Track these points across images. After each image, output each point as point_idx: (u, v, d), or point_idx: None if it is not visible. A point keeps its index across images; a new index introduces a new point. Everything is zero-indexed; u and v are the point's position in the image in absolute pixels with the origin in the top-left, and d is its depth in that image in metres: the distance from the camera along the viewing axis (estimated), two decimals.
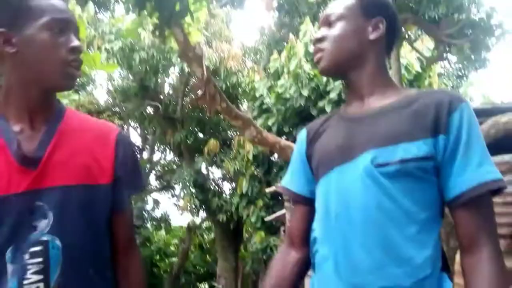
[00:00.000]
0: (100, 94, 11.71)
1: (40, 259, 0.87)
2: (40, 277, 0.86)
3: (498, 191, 0.87)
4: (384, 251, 0.86)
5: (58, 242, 0.89)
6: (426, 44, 7.38)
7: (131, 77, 11.12)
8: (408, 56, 7.34)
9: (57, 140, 0.93)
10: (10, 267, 0.85)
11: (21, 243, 0.86)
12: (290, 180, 1.11)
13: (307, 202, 1.06)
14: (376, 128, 0.92)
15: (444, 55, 6.49)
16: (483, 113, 3.78)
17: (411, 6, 4.85)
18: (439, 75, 9.41)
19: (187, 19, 2.81)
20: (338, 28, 1.00)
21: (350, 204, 0.90)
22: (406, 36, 5.36)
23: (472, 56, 5.10)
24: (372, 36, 0.99)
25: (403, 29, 4.90)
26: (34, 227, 0.88)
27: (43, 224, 0.88)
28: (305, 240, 1.05)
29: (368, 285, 0.87)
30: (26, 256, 0.86)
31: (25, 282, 0.85)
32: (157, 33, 2.89)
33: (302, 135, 1.12)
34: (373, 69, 1.00)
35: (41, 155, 0.90)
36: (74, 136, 0.96)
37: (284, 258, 1.09)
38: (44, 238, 0.88)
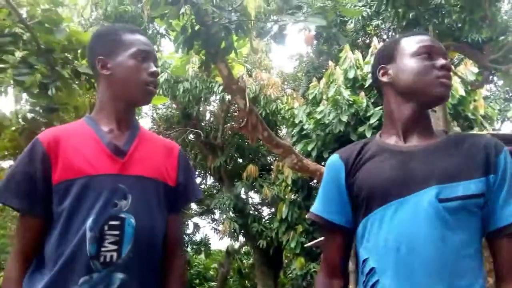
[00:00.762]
0: (145, 122, 12.38)
1: (117, 232, 1.05)
2: (115, 247, 1.04)
3: None
4: (449, 282, 0.92)
5: (133, 221, 1.07)
6: (469, 68, 7.23)
7: (174, 105, 11.60)
8: (452, 80, 7.22)
9: (138, 142, 1.17)
10: (89, 234, 1.03)
11: (103, 215, 1.05)
12: (323, 209, 1.11)
13: (344, 232, 1.09)
14: (434, 165, 0.98)
15: (490, 77, 6.32)
16: None
17: (452, 31, 4.84)
18: (485, 98, 9.12)
19: (231, 55, 3.00)
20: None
21: (413, 236, 0.95)
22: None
23: None
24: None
25: None
26: (116, 204, 1.07)
27: (123, 204, 1.08)
28: (343, 269, 1.11)
29: None
30: (106, 227, 1.05)
31: (103, 249, 1.03)
32: (203, 68, 3.09)
33: (336, 162, 1.12)
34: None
35: (127, 149, 1.13)
36: (149, 143, 1.20)
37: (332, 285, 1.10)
38: (122, 215, 1.07)
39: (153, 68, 1.16)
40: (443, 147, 1.01)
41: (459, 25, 5.00)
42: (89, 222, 1.03)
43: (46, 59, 2.56)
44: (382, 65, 1.11)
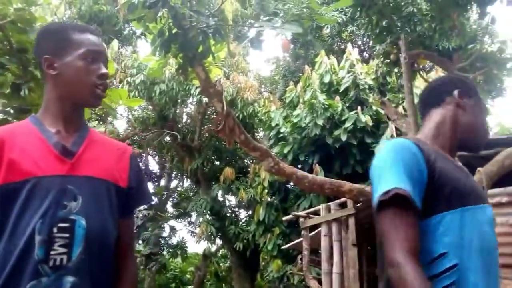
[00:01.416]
0: (120, 123, 12.19)
1: (66, 235, 1.03)
2: (65, 250, 1.02)
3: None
4: (498, 281, 1.10)
5: (83, 222, 1.05)
6: (440, 75, 7.49)
7: (150, 107, 11.48)
8: (423, 86, 7.45)
9: (87, 143, 1.14)
10: (37, 237, 1.00)
11: (51, 218, 1.02)
12: (410, 188, 1.02)
13: (417, 214, 1.03)
14: (477, 186, 1.18)
15: None
16: (498, 144, 3.81)
17: (424, 39, 5.00)
18: None
19: (209, 59, 3.01)
20: None
21: (490, 241, 1.11)
22: (420, 69, 5.49)
23: (485, 87, 5.17)
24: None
25: (415, 62, 5.04)
26: (65, 206, 1.05)
27: (73, 205, 1.05)
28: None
29: None
30: (55, 230, 1.02)
31: (52, 252, 1.01)
32: (180, 71, 3.09)
33: (412, 146, 1.09)
34: None
35: (76, 150, 1.11)
36: (99, 144, 1.17)
37: (423, 273, 0.98)
38: (72, 217, 1.05)
39: (103, 70, 1.13)
40: (463, 169, 1.20)
41: (430, 33, 5.18)
42: (38, 225, 1.00)
43: (18, 59, 2.51)
44: None
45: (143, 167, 12.89)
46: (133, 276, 1.19)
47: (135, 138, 12.19)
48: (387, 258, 0.97)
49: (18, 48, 2.50)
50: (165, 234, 13.38)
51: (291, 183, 8.45)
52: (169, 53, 2.89)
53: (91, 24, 9.59)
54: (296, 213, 5.73)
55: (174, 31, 2.85)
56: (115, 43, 5.84)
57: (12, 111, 2.78)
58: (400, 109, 6.61)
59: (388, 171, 1.04)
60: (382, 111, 7.11)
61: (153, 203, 11.16)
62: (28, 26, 2.48)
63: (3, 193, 1.02)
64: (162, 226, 13.36)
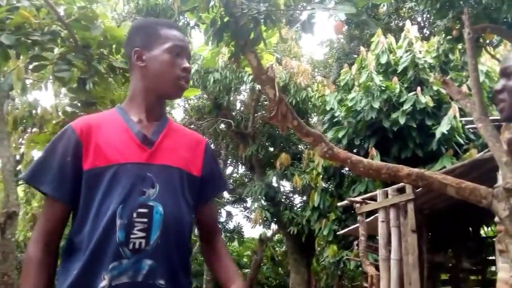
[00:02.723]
0: (177, 112, 12.67)
1: (145, 219, 1.08)
2: (143, 234, 1.07)
3: None
4: None
5: (161, 209, 1.11)
6: (509, 49, 6.89)
7: (205, 96, 11.76)
8: (489, 63, 6.91)
9: (166, 132, 1.19)
10: (118, 221, 1.07)
11: (131, 203, 1.09)
12: None
13: None
14: None
15: None
16: None
17: (489, 14, 4.61)
18: None
19: (260, 45, 3.01)
20: None
21: None
22: (485, 44, 5.08)
23: None
24: None
25: (481, 37, 4.67)
26: (144, 193, 1.11)
27: (151, 192, 1.11)
28: None
29: None
30: (134, 215, 1.08)
31: (132, 236, 1.07)
32: (232, 59, 3.12)
33: None
34: None
35: (155, 139, 1.16)
36: (177, 134, 1.23)
37: None
38: (151, 203, 1.10)
39: (186, 64, 1.19)
40: None
41: (497, 5, 4.76)
42: (119, 209, 1.06)
43: (83, 55, 2.66)
44: None
45: None
46: (227, 252, 1.28)
47: (191, 126, 12.58)
48: None
49: (82, 44, 2.66)
50: (222, 219, 13.80)
51: (346, 168, 8.31)
52: (221, 42, 2.92)
53: (147, 17, 9.96)
54: (352, 198, 5.63)
55: (226, 19, 2.87)
56: None
57: (79, 104, 2.99)
58: (464, 88, 6.20)
59: None
60: (443, 91, 6.70)
61: None
62: (91, 23, 2.63)
63: (90, 176, 1.09)
64: (219, 211, 13.78)
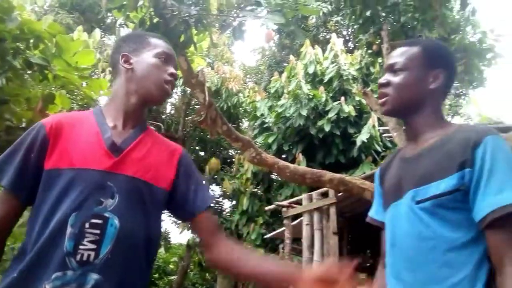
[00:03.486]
0: None
1: (97, 231, 1.02)
2: (93, 246, 1.01)
3: None
4: (425, 273, 1.02)
5: (116, 222, 1.04)
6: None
7: None
8: None
9: (138, 141, 1.14)
10: (69, 229, 1.00)
11: (85, 212, 1.02)
12: (375, 211, 1.28)
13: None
14: (416, 170, 1.09)
15: None
16: None
17: (405, 31, 5.05)
18: None
19: (191, 49, 2.98)
20: (402, 77, 1.14)
21: (399, 235, 1.10)
22: None
23: (466, 78, 5.26)
24: (433, 86, 1.14)
25: None
26: (101, 202, 1.04)
27: (109, 203, 1.05)
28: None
29: None
30: (87, 225, 1.01)
31: (81, 247, 1.00)
32: None
33: (377, 172, 1.31)
34: (429, 114, 1.14)
35: (124, 147, 1.11)
36: (150, 144, 1.17)
37: (382, 276, 1.20)
38: (106, 214, 1.04)
39: (173, 70, 1.18)
40: (429, 150, 1.09)
41: (413, 24, 5.23)
42: (72, 217, 1.00)
43: None
44: None
45: None
46: (235, 244, 1.19)
47: None
48: None
49: None
50: None
51: (275, 174, 8.51)
52: None
53: (72, 13, 9.37)
54: (279, 203, 5.78)
55: (155, 20, 2.81)
56: (97, 32, 5.70)
57: None
58: None
59: None
60: (364, 102, 7.18)
61: None
62: (6, 15, 2.42)
63: (48, 177, 1.04)
64: None
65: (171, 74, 1.17)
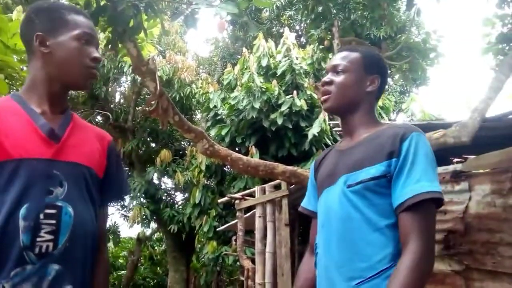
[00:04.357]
0: None
1: (53, 221, 0.98)
2: (51, 237, 0.98)
3: (437, 201, 1.10)
4: (352, 251, 1.12)
5: (70, 210, 1.01)
6: None
7: None
8: None
9: (71, 127, 1.11)
10: (22, 223, 0.95)
11: (38, 204, 0.97)
12: (308, 201, 1.41)
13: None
14: (350, 158, 1.21)
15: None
16: (422, 129, 4.11)
17: (355, 29, 5.19)
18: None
19: (141, 35, 2.87)
20: (344, 78, 1.27)
21: (330, 216, 1.20)
22: None
23: (410, 76, 5.51)
24: (369, 89, 1.28)
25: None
26: (51, 192, 1.00)
27: (59, 191, 1.01)
28: (315, 248, 1.32)
29: (341, 275, 1.13)
30: (41, 216, 0.97)
31: (38, 239, 0.96)
32: (109, 46, 2.91)
33: (312, 164, 1.44)
34: (364, 113, 1.28)
35: (61, 134, 1.07)
36: (81, 129, 1.14)
37: (308, 263, 1.35)
38: (59, 203, 1.00)
39: (96, 54, 1.12)
40: (362, 143, 1.22)
41: (362, 21, 5.39)
42: (22, 210, 0.95)
43: None
44: None
45: None
46: (105, 270, 1.16)
47: None
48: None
49: None
50: None
51: (228, 166, 8.48)
52: (96, 27, 2.70)
53: None
54: (231, 195, 5.76)
55: (102, 2, 2.66)
56: None
57: None
58: None
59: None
60: (316, 96, 7.32)
61: None
62: None
63: None
64: None
65: (94, 59, 1.11)
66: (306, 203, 1.41)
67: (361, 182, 1.13)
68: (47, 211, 0.98)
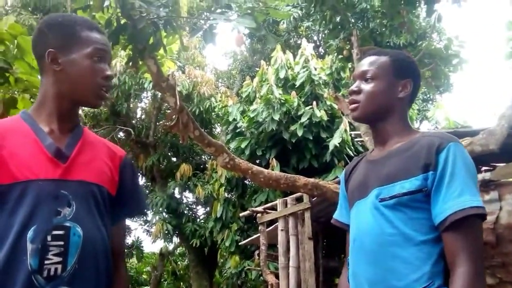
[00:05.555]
0: None
1: (61, 243, 0.96)
2: (59, 259, 0.95)
3: (481, 216, 1.03)
4: (386, 268, 1.06)
5: (79, 230, 0.99)
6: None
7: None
8: None
9: (81, 145, 1.08)
10: (30, 246, 0.92)
11: (45, 225, 0.95)
12: (340, 213, 1.35)
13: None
14: (382, 169, 1.14)
15: None
16: None
17: (374, 37, 5.13)
18: None
19: (161, 52, 2.90)
20: (373, 85, 1.19)
21: (362, 231, 1.14)
22: None
23: (433, 83, 5.39)
24: (401, 95, 1.20)
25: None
26: (59, 212, 0.98)
27: (67, 211, 0.99)
28: None
29: None
30: (49, 238, 0.95)
31: (46, 262, 0.93)
32: (130, 64, 2.95)
33: (342, 174, 1.37)
34: (397, 120, 1.20)
35: (69, 153, 1.05)
36: (92, 146, 1.12)
37: (346, 277, 1.27)
38: (67, 224, 0.98)
39: (108, 72, 1.09)
40: (395, 153, 1.15)
41: (381, 30, 5.32)
42: (30, 233, 0.93)
43: None
44: None
45: None
46: (123, 285, 1.14)
47: None
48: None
49: None
50: None
51: (248, 179, 8.44)
52: (117, 45, 2.75)
53: (36, 14, 9.04)
54: (253, 208, 5.72)
55: (122, 21, 2.71)
56: None
57: None
58: None
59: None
60: (336, 106, 7.25)
61: None
62: None
63: None
64: None
65: (106, 77, 1.08)
66: (338, 215, 1.36)
67: (395, 197, 1.07)
68: (55, 232, 0.96)
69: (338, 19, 4.78)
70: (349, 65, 5.84)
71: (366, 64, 1.22)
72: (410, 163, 1.09)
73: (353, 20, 5.03)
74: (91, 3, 2.69)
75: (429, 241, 1.04)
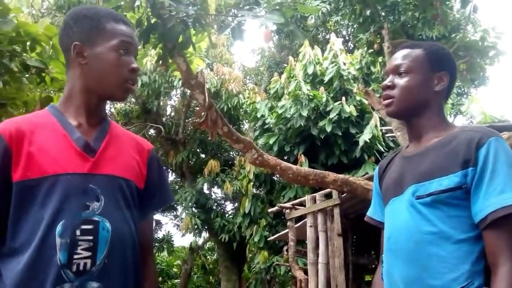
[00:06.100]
0: None
1: (90, 237, 0.96)
2: (89, 254, 0.95)
3: None
4: (422, 267, 1.03)
5: (108, 224, 0.98)
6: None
7: (133, 100, 11.30)
8: None
9: (108, 138, 1.08)
10: (58, 241, 0.93)
11: (74, 220, 0.95)
12: (374, 211, 1.32)
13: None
14: (419, 166, 1.11)
15: None
16: None
17: (406, 30, 5.00)
18: None
19: (190, 49, 2.94)
20: (407, 79, 1.15)
21: (397, 229, 1.11)
22: None
23: (468, 76, 5.20)
24: (437, 88, 1.16)
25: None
26: (87, 207, 0.98)
27: (96, 206, 0.98)
28: None
29: None
30: (78, 232, 0.95)
31: (75, 256, 0.93)
32: (160, 62, 3.01)
33: (376, 170, 1.34)
34: (432, 115, 1.16)
35: (98, 147, 1.04)
36: (119, 140, 1.11)
37: (380, 275, 1.25)
38: (96, 218, 0.98)
39: (134, 64, 1.07)
40: (432, 149, 1.11)
41: (413, 22, 5.18)
42: (59, 227, 0.93)
43: None
44: None
45: None
46: (152, 281, 1.13)
47: None
48: None
49: None
50: None
51: (277, 175, 8.44)
52: (148, 44, 2.81)
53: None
54: (281, 204, 5.72)
55: (153, 20, 2.77)
56: None
57: None
58: None
59: None
60: (366, 101, 7.12)
61: None
62: (2, 17, 2.38)
63: (20, 190, 0.94)
64: None
65: (132, 70, 1.07)
66: (372, 213, 1.32)
67: (432, 194, 1.04)
68: (84, 227, 0.95)
69: (368, 12, 4.69)
70: (380, 59, 5.71)
71: (400, 57, 1.18)
72: (448, 159, 1.05)
73: (383, 13, 4.91)
74: (122, 3, 2.76)
75: (469, 239, 1.01)
